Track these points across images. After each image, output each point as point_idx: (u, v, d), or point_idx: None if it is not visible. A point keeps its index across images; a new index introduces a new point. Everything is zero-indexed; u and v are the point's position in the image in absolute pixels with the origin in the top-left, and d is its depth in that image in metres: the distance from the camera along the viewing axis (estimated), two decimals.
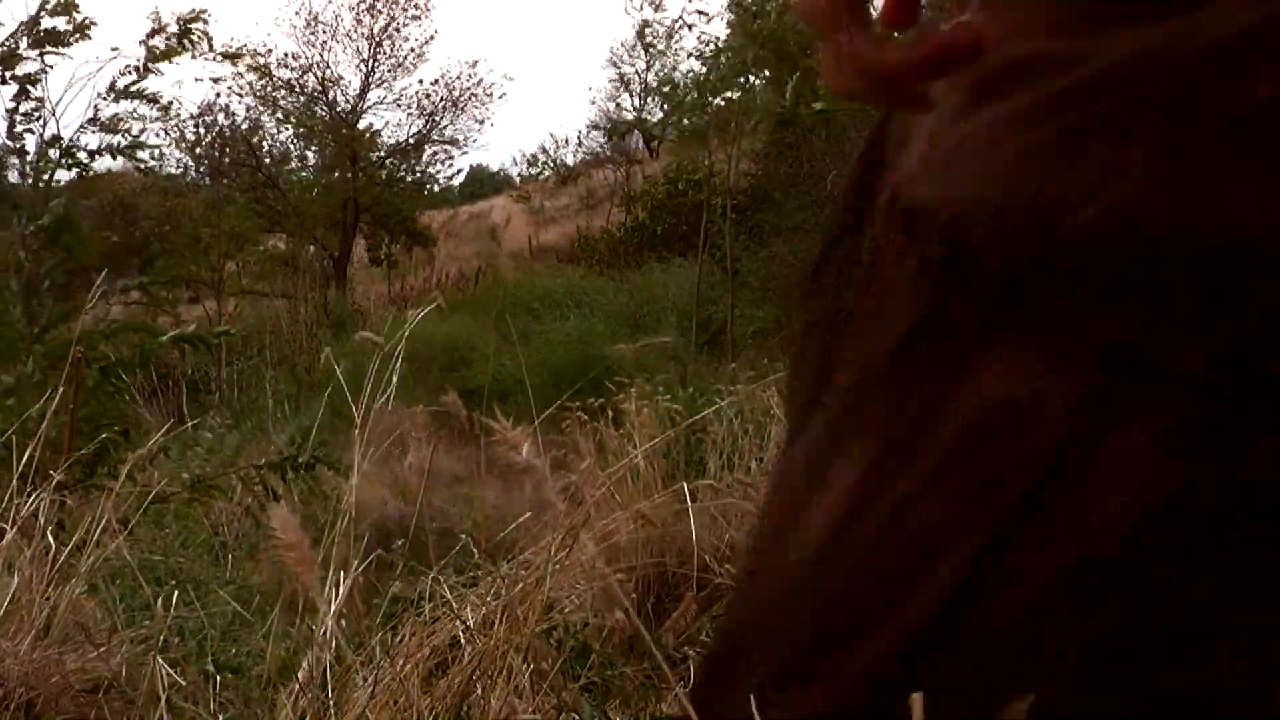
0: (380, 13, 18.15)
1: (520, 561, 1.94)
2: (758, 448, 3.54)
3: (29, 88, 3.24)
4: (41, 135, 3.30)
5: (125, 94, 3.50)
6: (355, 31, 18.17)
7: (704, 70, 12.94)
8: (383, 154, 19.07)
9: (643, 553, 2.93)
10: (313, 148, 18.21)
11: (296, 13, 18.20)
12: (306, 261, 16.37)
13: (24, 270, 3.07)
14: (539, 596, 1.69)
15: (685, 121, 12.55)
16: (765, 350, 10.81)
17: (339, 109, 18.30)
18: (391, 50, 18.45)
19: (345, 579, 1.54)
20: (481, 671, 1.63)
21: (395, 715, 1.52)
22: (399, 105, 19.02)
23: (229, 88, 16.12)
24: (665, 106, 19.65)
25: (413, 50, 18.57)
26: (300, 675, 1.51)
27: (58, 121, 3.31)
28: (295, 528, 1.03)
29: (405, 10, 18.26)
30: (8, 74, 3.20)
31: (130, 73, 3.54)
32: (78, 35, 3.25)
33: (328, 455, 2.90)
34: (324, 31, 17.86)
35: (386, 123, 24.48)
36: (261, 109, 17.27)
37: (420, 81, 19.07)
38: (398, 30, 18.37)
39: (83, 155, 3.37)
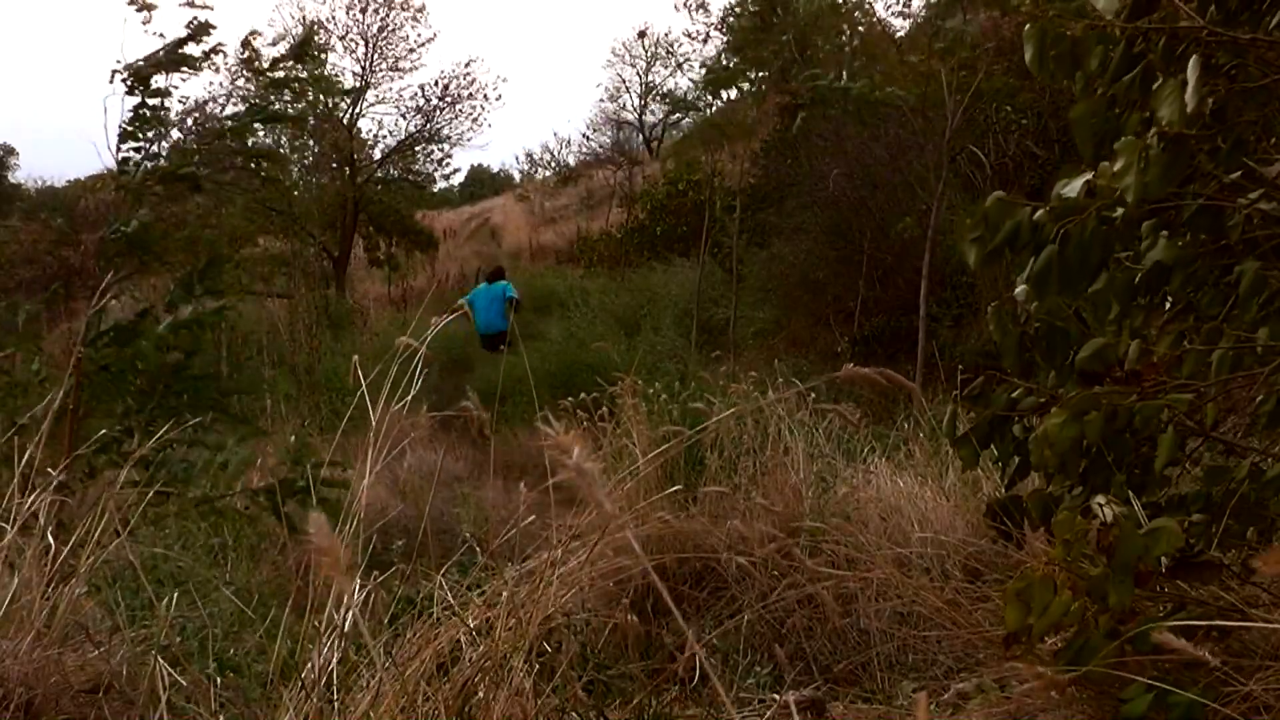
0: (375, 14, 18.14)
1: (523, 567, 1.94)
2: (758, 446, 3.53)
3: (149, 102, 3.24)
4: (149, 151, 3.28)
5: (238, 130, 3.52)
6: (351, 33, 18.16)
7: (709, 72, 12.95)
8: (380, 155, 19.06)
9: (643, 551, 2.92)
10: (309, 148, 18.17)
11: (291, 15, 18.15)
12: (306, 261, 16.34)
13: (94, 277, 3.06)
14: (544, 599, 1.69)
15: (688, 119, 12.58)
16: (765, 350, 10.80)
17: (335, 109, 18.28)
18: (389, 52, 18.45)
19: (357, 582, 1.54)
20: (484, 673, 1.63)
21: (398, 717, 1.51)
22: (395, 107, 19.03)
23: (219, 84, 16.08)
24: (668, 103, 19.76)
25: (411, 51, 18.57)
26: (304, 676, 1.50)
27: (164, 141, 3.30)
28: (329, 531, 1.04)
29: (401, 10, 18.25)
30: (137, 86, 3.18)
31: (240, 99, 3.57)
32: (207, 60, 3.26)
33: (332, 474, 2.89)
34: (319, 32, 17.84)
35: (381, 123, 24.51)
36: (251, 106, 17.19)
37: (422, 88, 19.05)
38: (393, 32, 18.37)
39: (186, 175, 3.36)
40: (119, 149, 3.23)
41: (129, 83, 3.15)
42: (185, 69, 3.20)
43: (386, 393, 1.72)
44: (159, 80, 3.20)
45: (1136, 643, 1.57)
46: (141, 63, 3.16)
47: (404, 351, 1.77)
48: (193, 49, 3.19)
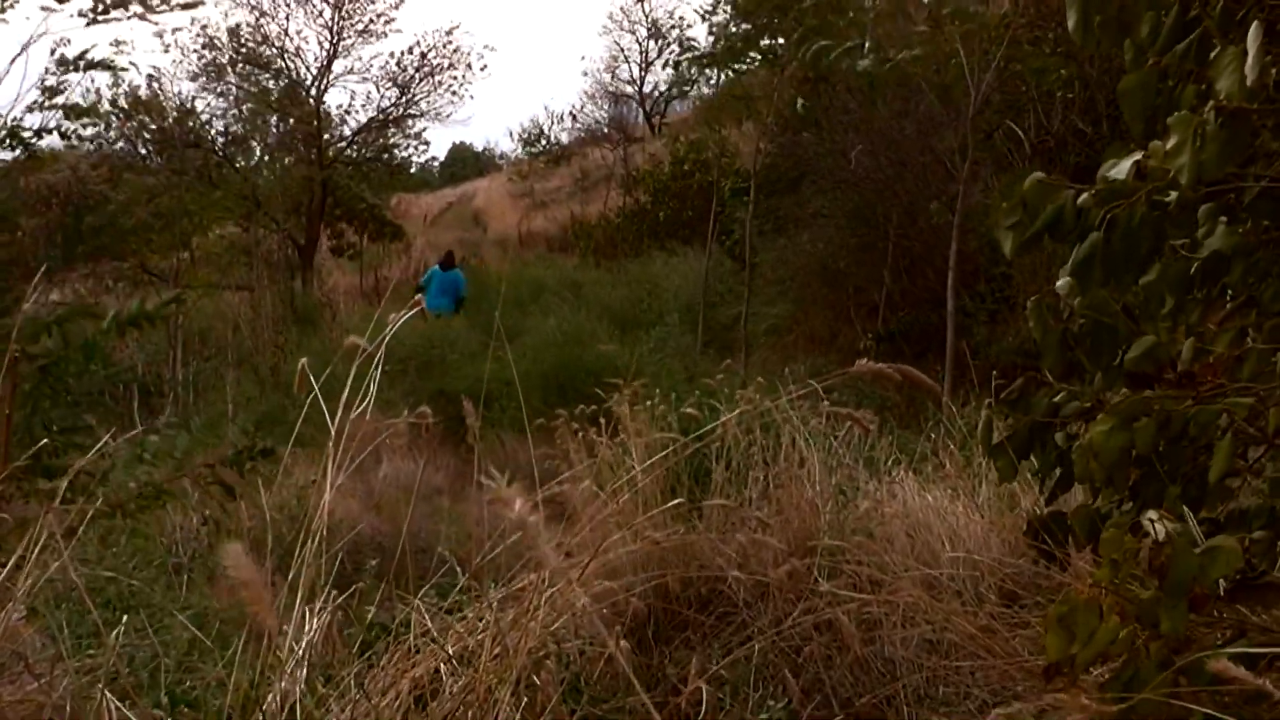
0: None
1: (509, 588, 1.93)
2: (770, 457, 3.52)
3: None
4: None
5: (76, 64, 3.46)
6: None
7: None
8: (350, 133, 18.98)
9: (642, 571, 2.92)
10: (272, 126, 18.07)
11: None
12: (268, 250, 16.30)
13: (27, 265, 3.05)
14: (532, 625, 1.68)
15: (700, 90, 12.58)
16: (780, 349, 10.79)
17: (300, 81, 18.19)
18: (357, 15, 18.36)
19: (317, 607, 1.53)
20: (466, 707, 1.63)
21: None
22: (367, 78, 18.94)
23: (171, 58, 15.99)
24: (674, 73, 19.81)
25: (380, 15, 18.49)
26: (265, 710, 1.50)
27: None
28: (249, 563, 1.03)
29: None
30: None
31: (76, 32, 3.52)
32: None
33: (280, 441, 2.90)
34: None
35: (353, 95, 24.40)
36: (206, 85, 17.16)
37: (392, 54, 18.96)
38: None
39: (28, 134, 3.32)
40: None
41: None
42: None
43: (348, 397, 1.72)
44: None
45: (1191, 673, 1.57)
46: None
47: (362, 354, 1.76)
48: None
